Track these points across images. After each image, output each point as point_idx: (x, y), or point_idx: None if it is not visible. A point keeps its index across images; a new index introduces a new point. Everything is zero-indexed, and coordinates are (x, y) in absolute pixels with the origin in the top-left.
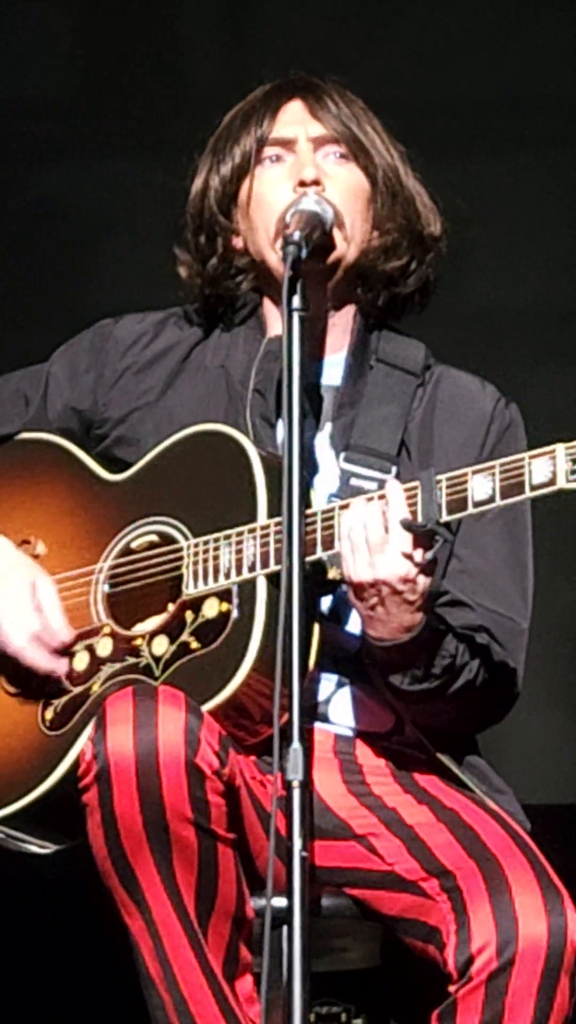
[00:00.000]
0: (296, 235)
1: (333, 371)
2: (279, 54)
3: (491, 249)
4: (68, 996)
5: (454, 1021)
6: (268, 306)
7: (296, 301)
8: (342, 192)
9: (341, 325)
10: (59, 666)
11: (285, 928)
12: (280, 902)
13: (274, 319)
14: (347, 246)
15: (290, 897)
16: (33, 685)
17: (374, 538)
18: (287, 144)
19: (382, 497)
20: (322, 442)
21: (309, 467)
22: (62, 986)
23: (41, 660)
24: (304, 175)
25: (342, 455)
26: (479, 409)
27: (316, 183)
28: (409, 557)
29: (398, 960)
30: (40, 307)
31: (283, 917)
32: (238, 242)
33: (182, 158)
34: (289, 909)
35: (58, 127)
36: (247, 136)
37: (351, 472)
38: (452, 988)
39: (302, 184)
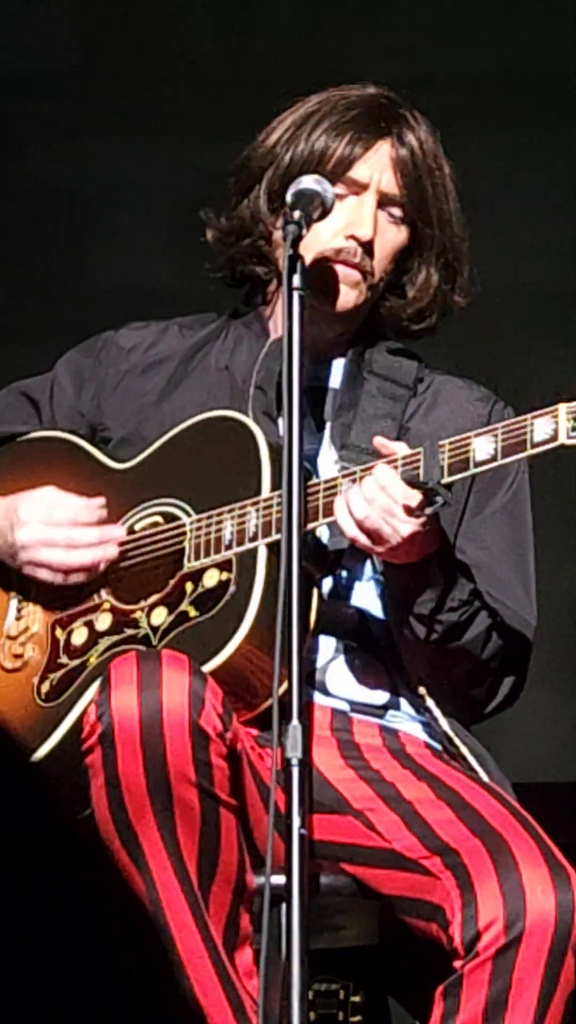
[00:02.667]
0: (296, 214)
1: (333, 374)
2: (280, 31)
3: (490, 227)
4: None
5: (459, 996)
6: (276, 310)
7: (296, 280)
8: (384, 251)
9: (346, 336)
10: (112, 533)
11: (284, 906)
12: (279, 880)
13: (279, 323)
14: (365, 296)
15: (289, 875)
16: (31, 661)
17: (384, 504)
18: (358, 186)
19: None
20: (323, 440)
21: (311, 463)
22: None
23: (91, 534)
24: (360, 234)
25: (339, 454)
26: (476, 410)
27: (368, 244)
28: (408, 510)
29: (396, 938)
30: (40, 285)
31: (282, 895)
32: (274, 231)
33: (183, 136)
34: (288, 887)
35: (58, 106)
36: (328, 148)
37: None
38: (458, 964)
39: (353, 238)
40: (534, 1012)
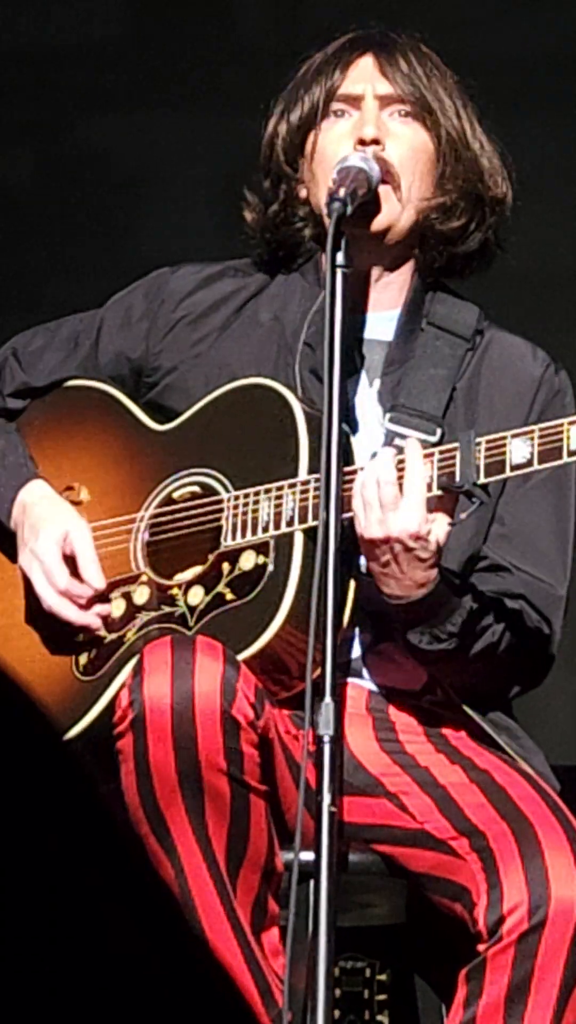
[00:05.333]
0: (341, 191)
1: (386, 327)
2: (330, 6)
3: (534, 210)
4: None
5: (483, 980)
6: (325, 259)
7: (340, 258)
8: (402, 151)
9: (398, 283)
10: (92, 620)
11: (312, 882)
12: (308, 856)
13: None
14: (401, 207)
15: (318, 852)
16: (68, 633)
17: (387, 496)
18: (354, 100)
19: (400, 457)
20: (370, 398)
21: (353, 424)
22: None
23: (73, 615)
24: (364, 133)
25: (388, 415)
26: (527, 374)
27: (375, 142)
28: (439, 510)
29: (423, 916)
30: (86, 256)
31: (310, 871)
32: (302, 191)
33: (230, 109)
34: (316, 863)
35: (105, 77)
36: (317, 88)
37: (395, 432)
38: (481, 947)
39: (361, 143)
40: (556, 998)
